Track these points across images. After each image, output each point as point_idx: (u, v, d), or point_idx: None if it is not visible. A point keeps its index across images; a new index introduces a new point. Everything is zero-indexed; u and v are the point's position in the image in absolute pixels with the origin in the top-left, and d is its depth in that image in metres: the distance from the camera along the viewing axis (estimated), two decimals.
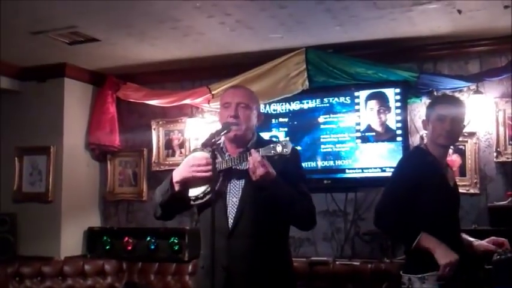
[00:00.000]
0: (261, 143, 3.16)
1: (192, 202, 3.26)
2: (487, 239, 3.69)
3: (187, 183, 3.23)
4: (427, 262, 3.32)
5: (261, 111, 3.50)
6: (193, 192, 3.24)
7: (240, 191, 3.18)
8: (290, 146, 2.93)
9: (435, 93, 5.37)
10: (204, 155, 3.20)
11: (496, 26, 5.01)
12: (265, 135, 5.72)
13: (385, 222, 3.52)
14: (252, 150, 3.02)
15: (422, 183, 3.42)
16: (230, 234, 3.12)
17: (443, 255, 3.29)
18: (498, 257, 3.40)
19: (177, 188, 3.25)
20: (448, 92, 5.30)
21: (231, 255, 3.08)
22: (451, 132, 3.53)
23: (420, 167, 3.48)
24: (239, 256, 3.09)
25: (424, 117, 3.71)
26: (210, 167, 3.07)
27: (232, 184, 3.21)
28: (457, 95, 5.33)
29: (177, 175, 3.25)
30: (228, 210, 3.15)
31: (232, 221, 3.13)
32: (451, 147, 5.28)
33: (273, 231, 3.18)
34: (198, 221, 3.42)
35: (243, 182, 3.18)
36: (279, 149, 2.93)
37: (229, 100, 3.29)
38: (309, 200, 3.23)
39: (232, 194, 3.19)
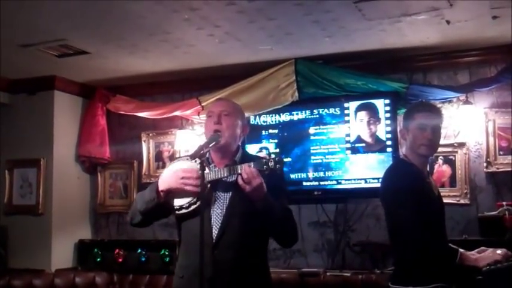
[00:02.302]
0: (249, 158, 3.24)
1: (176, 212, 3.23)
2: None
3: (174, 193, 3.20)
4: (417, 274, 3.31)
5: (247, 123, 3.52)
6: (178, 202, 3.20)
7: (226, 203, 3.18)
8: (283, 162, 2.98)
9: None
10: (192, 167, 3.18)
11: (485, 36, 5.04)
12: (256, 147, 5.76)
13: (433, 247, 3.38)
14: (245, 164, 3.03)
15: (418, 196, 3.36)
16: (215, 246, 3.11)
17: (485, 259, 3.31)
18: (489, 267, 3.39)
19: (162, 196, 3.23)
20: (432, 100, 5.24)
21: (216, 266, 3.07)
22: (433, 141, 3.50)
23: (414, 180, 3.41)
24: (223, 267, 3.08)
25: (401, 127, 3.62)
26: (199, 181, 3.06)
27: (217, 195, 3.21)
28: (446, 105, 5.37)
29: (164, 184, 3.20)
30: (213, 222, 3.15)
31: (217, 232, 3.13)
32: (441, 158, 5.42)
33: (255, 243, 3.22)
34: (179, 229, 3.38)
35: (228, 194, 3.19)
36: (271, 164, 2.97)
37: (212, 109, 3.37)
38: (292, 217, 3.28)
39: (217, 205, 3.19)
